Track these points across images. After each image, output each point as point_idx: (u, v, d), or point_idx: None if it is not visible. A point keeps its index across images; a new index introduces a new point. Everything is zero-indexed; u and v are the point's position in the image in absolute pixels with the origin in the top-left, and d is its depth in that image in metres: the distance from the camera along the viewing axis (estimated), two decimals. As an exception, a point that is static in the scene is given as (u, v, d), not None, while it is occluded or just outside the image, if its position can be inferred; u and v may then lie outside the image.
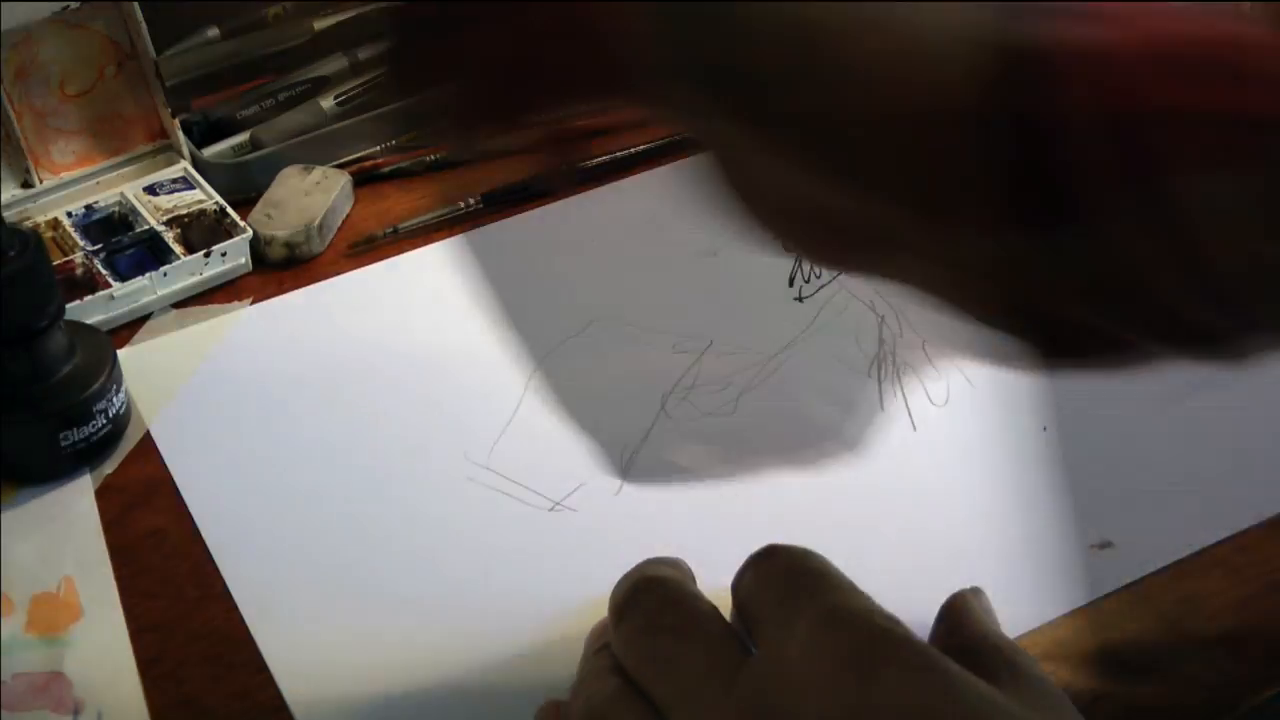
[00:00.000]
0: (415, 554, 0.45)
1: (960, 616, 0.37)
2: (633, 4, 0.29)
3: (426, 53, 0.35)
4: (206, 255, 0.56)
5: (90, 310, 0.54)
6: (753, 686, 0.32)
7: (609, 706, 0.34)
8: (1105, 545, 0.44)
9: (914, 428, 0.49)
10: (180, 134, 0.61)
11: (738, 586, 0.36)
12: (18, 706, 0.41)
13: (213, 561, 0.46)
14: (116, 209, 0.59)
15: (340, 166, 0.62)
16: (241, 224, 0.57)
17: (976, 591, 0.38)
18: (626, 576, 0.36)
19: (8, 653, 0.43)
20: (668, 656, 0.34)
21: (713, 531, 0.45)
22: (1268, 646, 0.41)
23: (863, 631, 0.31)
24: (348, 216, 0.61)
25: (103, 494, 0.48)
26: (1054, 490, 0.46)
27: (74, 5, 0.56)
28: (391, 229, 0.59)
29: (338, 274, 0.58)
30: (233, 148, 0.64)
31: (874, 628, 0.31)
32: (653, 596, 0.35)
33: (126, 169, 0.61)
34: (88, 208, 0.59)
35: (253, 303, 0.56)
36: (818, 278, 0.56)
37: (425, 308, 0.56)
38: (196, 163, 0.61)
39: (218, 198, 0.59)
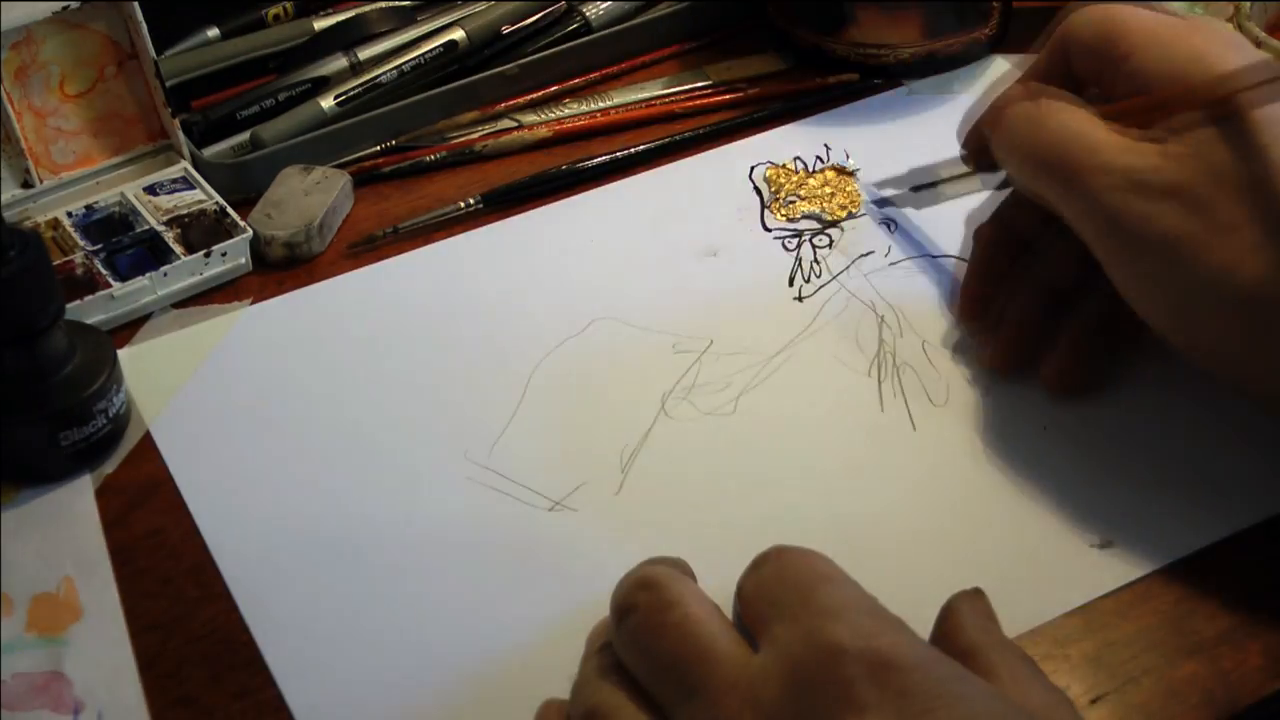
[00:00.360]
0: (415, 553, 0.45)
1: (961, 618, 0.37)
2: None
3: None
4: (206, 255, 0.56)
5: (90, 310, 0.54)
6: (756, 686, 0.32)
7: (610, 706, 0.34)
8: (1105, 545, 0.44)
9: (914, 428, 0.49)
10: (180, 134, 0.61)
11: (743, 586, 0.36)
12: (18, 706, 0.41)
13: (213, 561, 0.46)
14: (116, 209, 0.59)
15: (340, 166, 0.62)
16: (241, 224, 0.58)
17: (977, 592, 0.38)
18: (626, 576, 0.36)
19: (8, 653, 0.43)
20: (669, 656, 0.34)
21: (713, 531, 0.45)
22: (1268, 646, 0.41)
23: (852, 651, 0.31)
24: (348, 216, 0.61)
25: (103, 494, 0.48)
26: (1054, 490, 0.46)
27: (74, 5, 0.56)
28: (391, 229, 0.59)
29: (338, 274, 0.58)
30: (233, 148, 0.64)
31: (865, 650, 0.31)
32: (654, 595, 0.35)
33: (126, 169, 0.61)
34: (88, 208, 0.59)
35: (253, 303, 0.56)
36: (818, 277, 0.56)
37: (425, 308, 0.56)
38: (196, 163, 0.61)
39: (218, 198, 0.59)
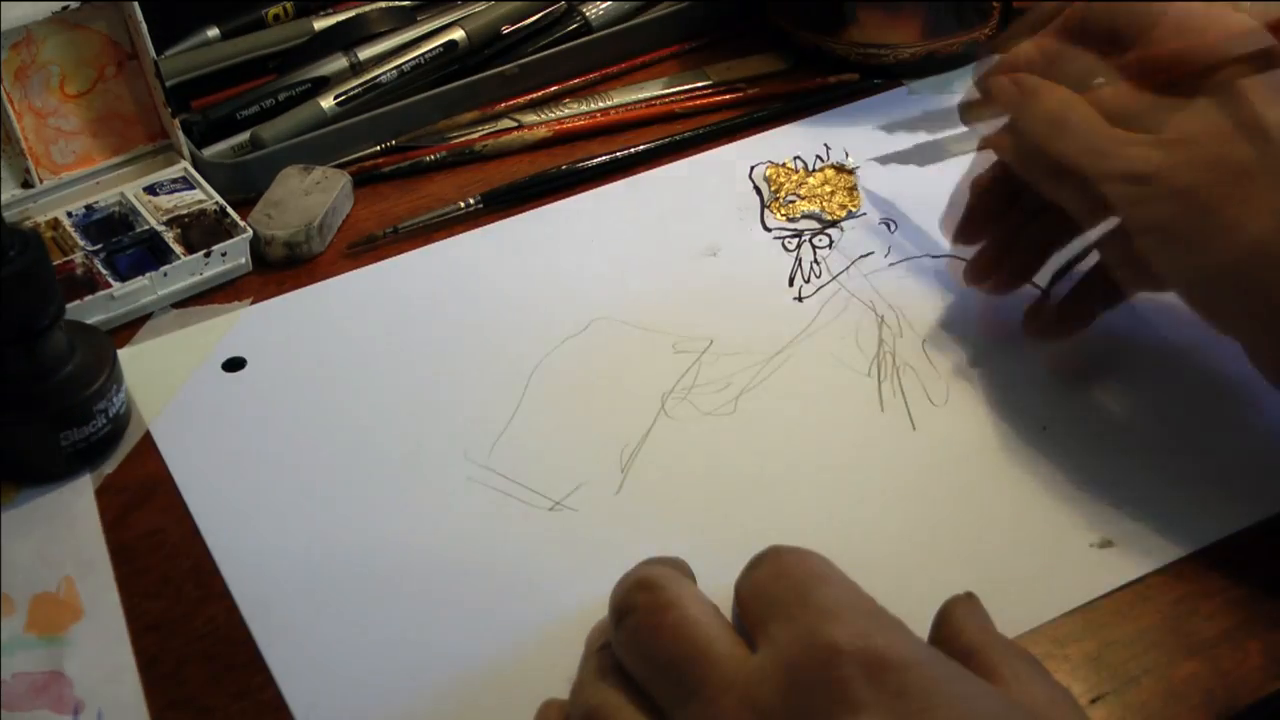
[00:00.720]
0: (415, 554, 0.45)
1: (959, 619, 0.37)
2: None
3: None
4: (206, 255, 0.56)
5: (90, 310, 0.54)
6: (753, 687, 0.32)
7: (609, 706, 0.34)
8: (1105, 545, 0.44)
9: (914, 428, 0.49)
10: (180, 134, 0.61)
11: (740, 587, 0.36)
12: (18, 706, 0.41)
13: (213, 561, 0.46)
14: (116, 209, 0.59)
15: (340, 166, 0.62)
16: (241, 224, 0.58)
17: (970, 597, 0.38)
18: (626, 576, 0.36)
19: (8, 653, 0.43)
20: (668, 656, 0.34)
21: (713, 531, 0.45)
22: (1268, 646, 0.41)
23: (849, 648, 0.31)
24: (348, 216, 0.61)
25: (103, 494, 0.48)
26: (1054, 490, 0.46)
27: (74, 5, 0.56)
28: (391, 229, 0.59)
29: (338, 274, 0.58)
30: (233, 148, 0.64)
31: (862, 649, 0.31)
32: (653, 596, 0.35)
33: (126, 169, 0.61)
34: (88, 208, 0.59)
35: (253, 303, 0.56)
36: (817, 277, 0.56)
37: (425, 308, 0.56)
38: (196, 163, 0.61)
39: (218, 198, 0.59)
